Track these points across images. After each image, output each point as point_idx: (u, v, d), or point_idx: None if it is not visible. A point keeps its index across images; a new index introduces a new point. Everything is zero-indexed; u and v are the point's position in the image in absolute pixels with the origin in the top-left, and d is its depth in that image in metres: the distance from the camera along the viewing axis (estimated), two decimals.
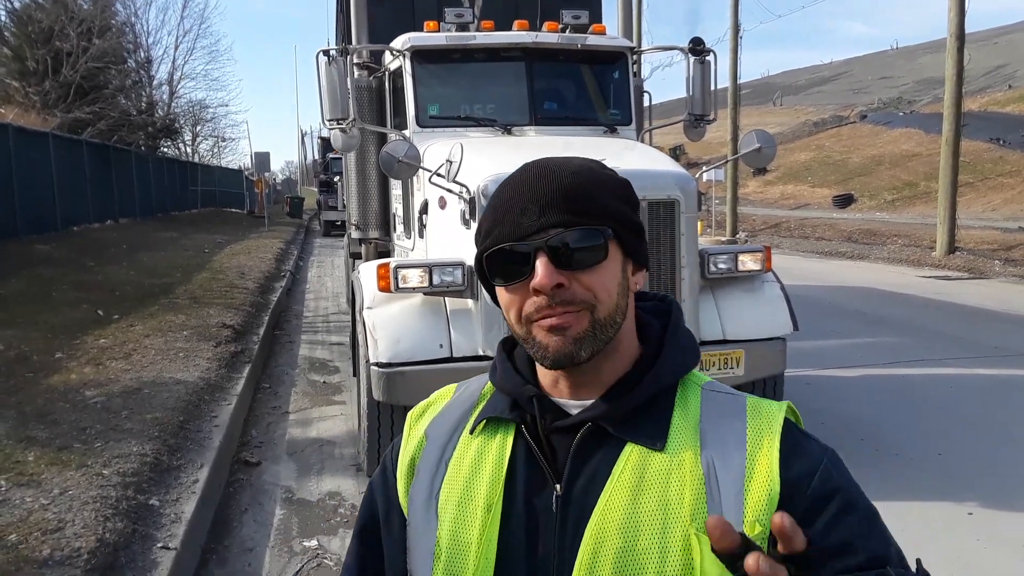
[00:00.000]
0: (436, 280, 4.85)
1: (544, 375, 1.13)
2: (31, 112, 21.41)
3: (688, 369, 1.13)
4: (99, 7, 25.56)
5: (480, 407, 1.18)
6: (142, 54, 33.52)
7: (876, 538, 1.00)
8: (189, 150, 43.15)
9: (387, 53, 6.57)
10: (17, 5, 24.15)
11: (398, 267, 4.88)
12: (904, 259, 17.69)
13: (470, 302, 4.92)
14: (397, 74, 6.42)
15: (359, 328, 5.35)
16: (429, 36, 6.24)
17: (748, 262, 5.32)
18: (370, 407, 5.01)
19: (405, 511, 1.18)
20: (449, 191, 4.97)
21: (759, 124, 43.42)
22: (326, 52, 5.95)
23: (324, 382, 7.89)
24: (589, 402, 1.09)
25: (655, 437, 1.05)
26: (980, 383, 7.38)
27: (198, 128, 42.30)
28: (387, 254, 7.31)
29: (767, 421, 1.06)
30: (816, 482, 1.01)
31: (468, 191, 4.84)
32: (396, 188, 6.80)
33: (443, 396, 1.25)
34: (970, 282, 14.35)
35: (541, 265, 1.02)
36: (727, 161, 8.29)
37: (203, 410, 6.10)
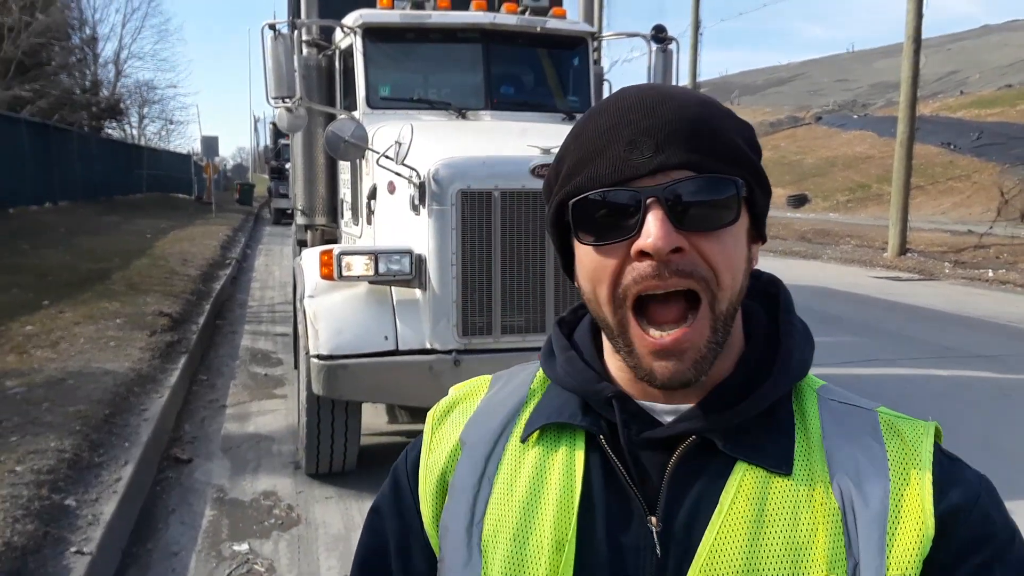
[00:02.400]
0: (382, 268, 4.57)
1: (621, 366, 0.86)
2: None
3: (808, 367, 0.88)
4: None
5: (531, 406, 0.92)
6: (87, 31, 32.56)
7: None
8: (135, 132, 42.15)
9: (338, 30, 6.26)
10: None
11: (342, 254, 4.60)
12: (857, 259, 17.85)
13: (418, 292, 4.66)
14: (348, 53, 6.13)
15: (300, 318, 5.07)
16: (382, 13, 5.95)
17: None
18: (309, 401, 4.73)
19: (434, 543, 0.92)
20: (398, 175, 4.70)
21: None
22: (272, 26, 5.64)
23: (265, 374, 7.55)
24: (684, 408, 0.84)
25: (778, 458, 0.81)
26: (934, 384, 7.35)
27: (145, 110, 41.39)
28: (334, 241, 7.01)
29: (913, 444, 0.84)
30: (975, 518, 0.80)
31: (418, 175, 4.57)
32: (344, 172, 6.50)
33: (475, 392, 0.98)
34: (921, 283, 14.49)
35: (655, 220, 0.76)
36: None
37: (132, 403, 5.74)
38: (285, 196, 25.28)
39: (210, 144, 30.40)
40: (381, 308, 4.66)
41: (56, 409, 5.31)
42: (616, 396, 0.85)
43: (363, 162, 5.56)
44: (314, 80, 6.42)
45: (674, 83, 6.56)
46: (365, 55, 5.92)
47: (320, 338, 4.52)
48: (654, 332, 0.79)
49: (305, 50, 6.61)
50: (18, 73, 22.87)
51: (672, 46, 6.48)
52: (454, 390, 1.00)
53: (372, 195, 5.45)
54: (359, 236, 5.91)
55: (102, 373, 6.18)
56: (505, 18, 6.07)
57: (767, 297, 0.92)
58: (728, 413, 0.82)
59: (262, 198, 40.01)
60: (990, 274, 14.89)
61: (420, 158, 4.56)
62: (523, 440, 0.88)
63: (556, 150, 3.99)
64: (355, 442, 4.94)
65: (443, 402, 0.99)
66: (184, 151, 52.41)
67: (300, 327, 5.03)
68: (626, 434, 0.83)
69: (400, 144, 4.45)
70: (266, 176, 37.90)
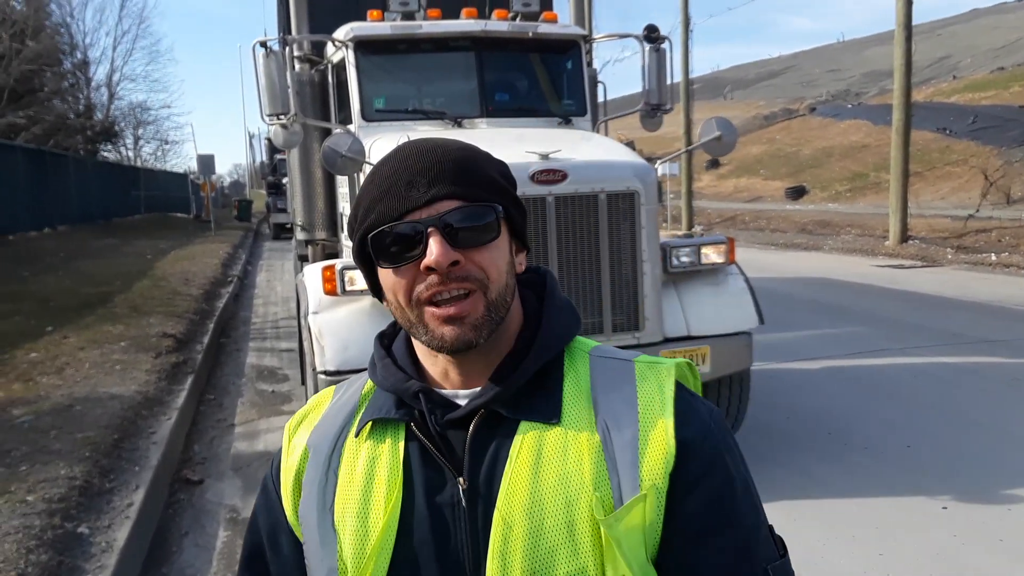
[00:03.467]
0: None
1: (433, 367, 1.08)
2: None
3: (571, 335, 1.10)
4: (32, 7, 24.66)
5: (363, 409, 1.11)
6: (79, 55, 32.53)
7: (751, 517, 1.03)
8: (131, 154, 42.05)
9: (329, 44, 6.26)
10: None
11: (344, 269, 4.60)
12: (858, 249, 17.82)
13: None
14: (340, 66, 6.12)
15: (305, 335, 5.06)
16: (373, 26, 5.95)
17: (711, 255, 5.14)
18: None
19: (297, 531, 1.12)
20: None
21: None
22: (264, 44, 5.62)
23: (272, 391, 7.53)
24: (478, 390, 1.05)
25: (548, 413, 1.03)
26: (942, 371, 7.32)
27: (140, 131, 41.25)
28: (335, 255, 7.00)
29: (658, 385, 1.05)
30: (707, 444, 1.02)
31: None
32: (343, 186, 6.50)
33: (322, 401, 1.17)
34: (924, 270, 14.46)
35: (436, 242, 0.98)
36: (685, 151, 8.10)
37: (140, 426, 5.73)
38: (283, 211, 25.27)
39: (207, 162, 30.41)
40: (386, 322, 4.64)
41: (64, 436, 5.30)
42: (421, 390, 1.05)
43: (361, 175, 5.55)
44: (308, 95, 6.42)
45: (668, 81, 6.54)
46: (358, 68, 5.92)
47: (326, 354, 4.52)
48: (443, 308, 1.00)
49: (297, 66, 6.62)
50: (11, 100, 22.87)
51: (665, 45, 6.47)
52: (308, 403, 1.20)
53: None
54: None
55: (109, 398, 6.17)
56: (496, 25, 6.06)
57: (538, 285, 1.14)
58: (506, 384, 1.02)
59: (260, 214, 40.03)
60: (993, 258, 14.85)
61: None
62: (356, 436, 1.08)
63: (555, 155, 3.97)
64: None
65: (296, 415, 1.18)
66: (180, 170, 52.53)
67: (306, 343, 5.02)
68: (432, 419, 1.04)
69: None
70: (263, 192, 37.90)
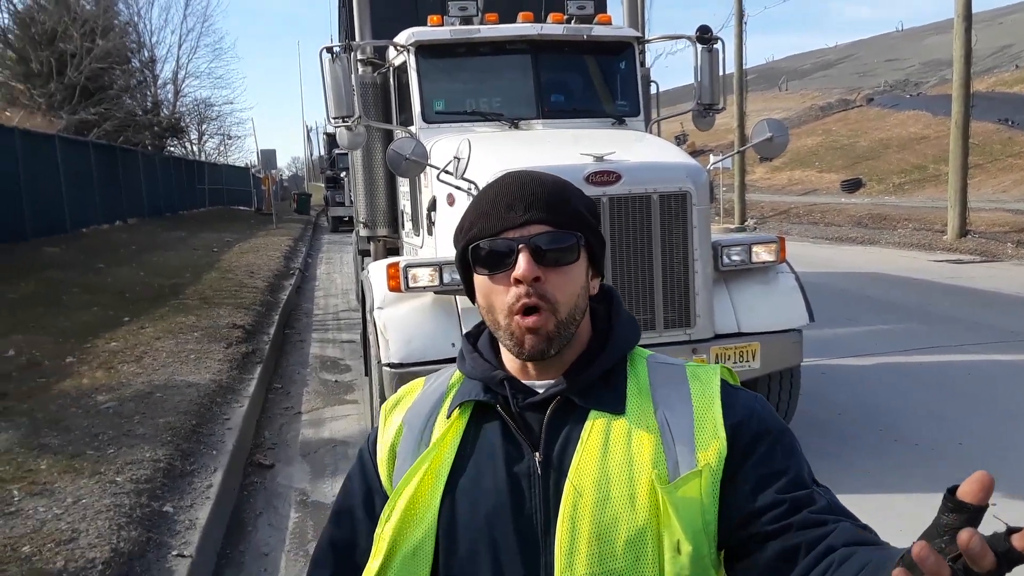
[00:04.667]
0: (447, 279, 4.79)
1: (511, 362, 1.27)
2: (37, 115, 21.44)
3: (633, 344, 1.31)
4: (101, 7, 25.54)
5: (451, 395, 1.31)
6: (146, 53, 33.53)
7: (797, 463, 1.20)
8: (195, 149, 43.19)
9: (391, 48, 6.50)
10: (20, 7, 24.17)
11: (408, 266, 4.83)
12: (915, 243, 17.56)
13: None
14: (402, 69, 6.36)
15: (370, 328, 5.31)
16: (433, 30, 6.17)
17: (762, 253, 5.25)
18: None
19: (389, 492, 1.29)
20: (457, 188, 4.91)
21: (765, 110, 43.16)
22: (329, 49, 5.88)
23: (336, 381, 7.86)
24: (553, 381, 1.24)
25: (615, 404, 1.22)
26: (997, 369, 7.30)
27: (204, 127, 42.32)
28: (396, 251, 7.26)
29: (706, 382, 1.25)
30: (751, 426, 1.20)
31: (477, 187, 4.78)
32: (403, 185, 6.74)
33: (413, 389, 1.38)
34: (983, 265, 14.23)
35: (524, 259, 1.17)
36: (737, 152, 8.20)
37: (215, 413, 6.08)
38: (341, 204, 25.81)
39: (268, 157, 31.18)
40: (447, 317, 4.88)
41: (147, 421, 5.66)
42: (506, 378, 1.25)
43: (422, 175, 5.78)
44: (370, 97, 6.66)
45: (720, 76, 6.63)
46: (419, 71, 6.14)
47: (391, 348, 4.76)
48: (525, 319, 1.19)
49: (360, 69, 6.87)
50: (82, 98, 23.76)
51: (717, 45, 6.57)
52: (401, 389, 1.40)
53: (432, 207, 5.68)
54: (420, 246, 6.15)
55: (185, 385, 6.54)
56: (552, 28, 6.22)
57: (607, 301, 1.34)
58: (579, 379, 1.22)
59: (318, 207, 40.78)
60: None
61: (478, 171, 4.76)
62: (448, 416, 1.28)
63: (609, 156, 4.17)
64: None
65: (392, 397, 1.38)
66: (242, 164, 53.65)
67: (371, 337, 5.26)
68: (514, 402, 1.24)
69: (459, 159, 4.65)
70: (321, 185, 38.61)
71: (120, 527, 4.07)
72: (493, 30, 6.17)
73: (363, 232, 7.56)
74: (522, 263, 1.17)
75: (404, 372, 4.69)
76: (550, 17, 6.36)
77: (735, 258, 5.20)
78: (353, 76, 5.90)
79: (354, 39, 6.69)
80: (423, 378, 1.39)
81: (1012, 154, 26.20)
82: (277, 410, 7.01)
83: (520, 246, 1.18)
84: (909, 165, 30.34)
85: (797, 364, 5.33)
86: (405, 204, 6.77)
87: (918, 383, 6.95)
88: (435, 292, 4.88)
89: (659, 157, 5.20)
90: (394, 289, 4.88)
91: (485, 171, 4.76)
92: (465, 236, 1.24)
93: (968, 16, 16.29)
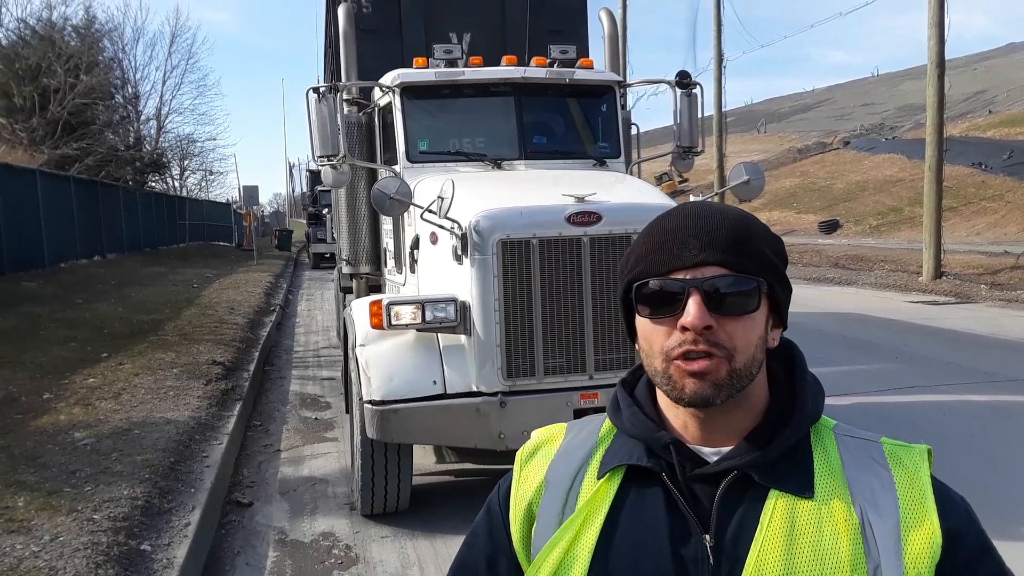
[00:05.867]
0: (429, 316, 4.84)
1: (673, 418, 1.12)
2: (18, 149, 21.41)
3: (820, 414, 1.13)
4: (87, 44, 25.70)
5: (600, 451, 1.15)
6: (130, 89, 33.72)
7: None
8: (177, 184, 43.18)
9: (376, 89, 6.61)
10: (4, 42, 24.23)
11: (391, 304, 4.87)
12: (892, 284, 17.80)
13: (463, 338, 4.91)
14: (387, 110, 6.45)
15: (352, 365, 5.33)
16: (418, 72, 6.28)
17: None
18: (363, 445, 4.98)
19: (521, 558, 1.16)
20: (441, 227, 4.98)
21: (744, 151, 43.80)
22: (316, 89, 5.97)
23: (316, 418, 7.83)
24: (725, 449, 1.08)
25: (802, 485, 1.04)
26: (972, 409, 7.40)
27: (186, 162, 42.36)
28: (378, 288, 7.30)
29: (913, 469, 1.07)
30: (972, 535, 1.04)
31: (460, 227, 4.85)
32: (387, 223, 6.81)
33: (555, 437, 1.21)
34: (958, 306, 14.44)
35: (694, 304, 1.03)
36: (716, 194, 8.34)
37: (194, 450, 6.04)
38: (323, 241, 25.81)
39: (251, 193, 31.18)
40: (429, 354, 4.91)
41: (125, 458, 5.62)
42: (673, 442, 1.09)
43: (405, 214, 5.84)
44: (355, 136, 6.75)
45: (700, 118, 6.78)
46: (404, 112, 6.23)
47: (373, 384, 4.78)
48: (689, 363, 1.04)
49: (346, 108, 6.96)
50: (65, 133, 23.77)
51: (696, 90, 6.73)
52: (536, 434, 1.24)
53: (415, 245, 5.74)
54: (403, 284, 6.19)
55: (164, 422, 6.50)
56: (535, 71, 6.35)
57: (786, 358, 1.17)
58: (761, 452, 1.05)
59: (300, 243, 40.76)
60: None
61: (461, 210, 4.83)
62: (599, 477, 1.12)
63: (590, 197, 4.26)
64: (407, 483, 5.17)
65: (528, 445, 1.22)
66: (223, 199, 53.59)
67: (353, 374, 5.28)
68: (682, 471, 1.07)
69: (442, 199, 4.73)
70: (303, 221, 38.62)
71: (98, 565, 4.04)
72: (477, 73, 6.30)
73: (346, 269, 7.60)
74: (692, 309, 1.02)
75: (386, 409, 4.71)
76: (533, 61, 6.51)
77: None
78: (339, 116, 5.98)
79: (340, 79, 6.79)
80: (564, 424, 1.24)
81: (985, 197, 26.74)
82: (256, 447, 6.97)
83: (691, 289, 1.03)
84: (885, 207, 30.86)
85: None
86: (388, 242, 6.82)
87: (896, 424, 7.02)
88: (417, 330, 4.91)
89: (639, 198, 5.29)
90: (376, 326, 4.91)
91: (468, 211, 4.83)
92: (630, 272, 1.10)
93: (941, 63, 16.72)
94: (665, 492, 1.08)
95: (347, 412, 6.27)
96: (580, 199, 4.86)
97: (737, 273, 1.05)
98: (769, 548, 1.01)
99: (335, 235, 8.43)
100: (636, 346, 1.13)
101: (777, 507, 1.03)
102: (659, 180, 33.94)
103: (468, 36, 7.28)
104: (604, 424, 1.18)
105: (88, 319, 11.80)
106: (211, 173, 47.18)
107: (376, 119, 6.73)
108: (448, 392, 4.79)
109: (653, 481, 1.09)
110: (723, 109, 24.88)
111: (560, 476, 1.14)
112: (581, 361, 4.84)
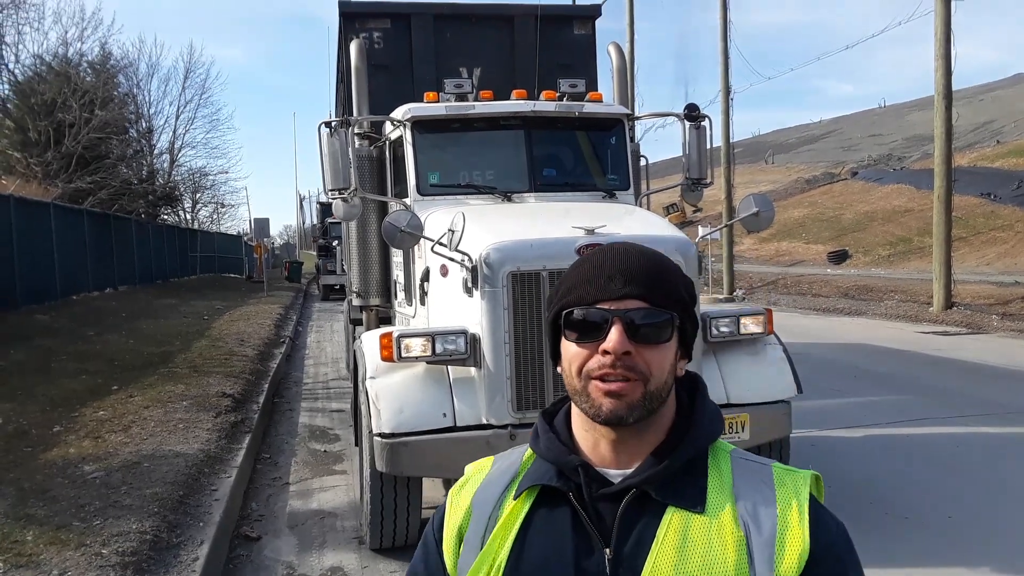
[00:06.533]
0: (439, 349, 4.83)
1: (583, 440, 1.23)
2: (32, 183, 21.62)
3: (717, 435, 1.24)
4: (102, 79, 26.06)
5: (521, 475, 1.26)
6: (144, 124, 34.12)
7: None
8: (189, 217, 43.49)
9: (387, 123, 6.67)
10: (20, 78, 24.60)
11: (401, 336, 4.87)
12: (901, 315, 17.72)
13: (473, 370, 4.90)
14: (398, 143, 6.51)
15: (361, 398, 5.32)
16: (429, 107, 6.34)
17: (750, 325, 5.33)
18: (373, 478, 4.95)
19: None
20: (451, 259, 5.00)
21: (752, 182, 43.89)
22: (328, 123, 6.03)
23: (325, 451, 7.80)
24: (629, 471, 1.19)
25: (695, 501, 1.16)
26: (985, 441, 7.33)
27: (198, 195, 42.72)
28: (388, 320, 7.31)
29: (794, 490, 1.18)
30: (837, 555, 1.16)
31: (470, 259, 4.87)
32: (397, 255, 6.84)
33: (481, 469, 1.33)
34: (968, 337, 14.35)
35: (616, 332, 1.15)
36: (725, 225, 8.37)
37: (203, 483, 6.02)
38: (333, 272, 25.94)
39: (262, 226, 31.44)
40: (439, 387, 4.90)
41: (134, 492, 5.60)
42: (581, 465, 1.20)
43: (416, 246, 5.87)
44: (366, 170, 6.80)
45: (708, 150, 6.81)
46: (414, 146, 6.28)
47: (382, 417, 4.76)
48: (607, 384, 1.16)
49: (357, 142, 7.03)
50: (79, 167, 24.02)
51: (704, 122, 6.77)
52: (467, 468, 1.35)
53: (425, 277, 5.76)
54: (413, 316, 6.20)
55: (173, 455, 6.49)
56: (544, 105, 6.41)
57: (691, 388, 1.30)
58: (657, 471, 1.17)
59: (309, 274, 40.93)
60: None
61: (471, 243, 4.85)
62: (515, 498, 1.24)
63: (600, 229, 4.27)
64: (417, 516, 5.14)
65: (459, 481, 1.34)
66: (234, 232, 53.93)
67: (362, 407, 5.26)
68: (588, 492, 1.19)
69: (453, 232, 4.75)
70: (313, 252, 38.82)
71: None
72: (487, 106, 6.35)
73: (356, 301, 7.62)
74: (614, 336, 1.15)
75: (395, 442, 4.69)
76: (543, 95, 6.56)
77: (724, 329, 5.27)
78: (350, 150, 6.04)
79: (352, 114, 6.86)
80: (492, 457, 1.35)
81: (994, 227, 26.68)
82: (265, 480, 6.95)
83: (615, 318, 1.16)
84: (894, 237, 30.81)
85: (786, 435, 5.35)
86: (398, 274, 6.84)
87: (907, 456, 6.96)
88: (427, 362, 4.91)
89: (649, 230, 5.30)
90: (387, 359, 4.91)
91: (479, 244, 4.85)
92: (560, 300, 1.23)
93: (948, 95, 16.79)
94: (572, 511, 1.19)
95: (356, 445, 6.25)
96: (590, 231, 4.87)
97: (654, 307, 1.18)
98: (663, 560, 1.11)
99: (345, 267, 8.47)
100: (558, 368, 1.25)
101: (672, 522, 1.14)
102: (667, 211, 33.99)
103: (478, 71, 7.37)
104: (526, 452, 1.30)
105: (99, 351, 11.84)
106: (222, 206, 47.61)
107: (387, 153, 6.79)
108: (458, 425, 4.77)
109: (562, 501, 1.20)
110: (731, 140, 24.97)
111: (484, 501, 1.26)
112: None
